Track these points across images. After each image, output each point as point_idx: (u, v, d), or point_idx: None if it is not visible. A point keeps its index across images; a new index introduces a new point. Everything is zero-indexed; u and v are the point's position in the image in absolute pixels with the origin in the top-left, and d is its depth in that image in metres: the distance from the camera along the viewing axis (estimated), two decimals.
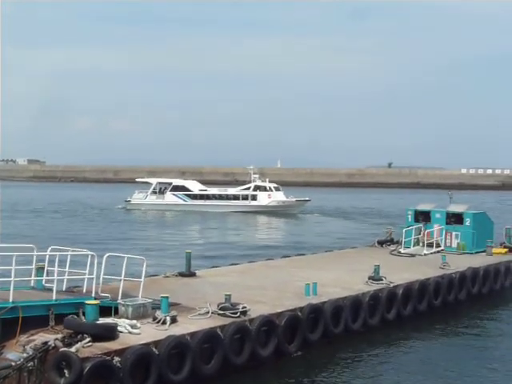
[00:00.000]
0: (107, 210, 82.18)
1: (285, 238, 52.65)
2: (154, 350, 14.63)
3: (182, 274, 23.22)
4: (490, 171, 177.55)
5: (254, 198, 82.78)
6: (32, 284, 17.48)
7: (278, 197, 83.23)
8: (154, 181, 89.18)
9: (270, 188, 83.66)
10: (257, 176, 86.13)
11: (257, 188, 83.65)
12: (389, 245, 33.30)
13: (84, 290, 16.90)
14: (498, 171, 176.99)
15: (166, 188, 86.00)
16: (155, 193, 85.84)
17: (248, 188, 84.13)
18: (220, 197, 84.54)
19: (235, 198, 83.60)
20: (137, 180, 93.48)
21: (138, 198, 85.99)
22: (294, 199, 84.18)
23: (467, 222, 32.43)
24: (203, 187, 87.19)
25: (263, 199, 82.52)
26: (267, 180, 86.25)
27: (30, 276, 17.26)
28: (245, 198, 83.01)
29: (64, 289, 17.17)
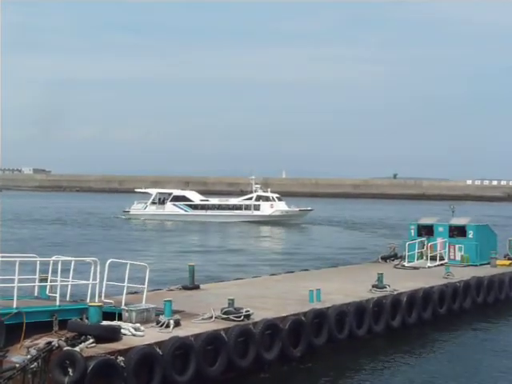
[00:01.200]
0: (108, 219, 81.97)
1: (289, 250, 52.18)
2: (158, 350, 14.62)
3: (185, 288, 22.96)
4: (495, 183, 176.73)
5: (256, 208, 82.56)
6: (36, 294, 17.55)
7: (281, 207, 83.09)
8: (153, 191, 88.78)
9: (272, 198, 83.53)
10: (258, 186, 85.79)
11: (259, 198, 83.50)
12: (393, 260, 33.17)
13: (88, 297, 16.83)
14: (503, 182, 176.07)
15: (165, 198, 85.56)
16: (155, 203, 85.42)
17: (250, 198, 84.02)
18: (221, 207, 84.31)
19: (237, 208, 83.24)
20: (136, 190, 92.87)
21: (137, 208, 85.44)
22: (297, 209, 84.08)
23: (470, 234, 32.35)
24: (204, 198, 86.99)
25: (266, 209, 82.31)
26: (269, 190, 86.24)
27: (34, 287, 17.39)
28: (247, 208, 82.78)
29: (68, 299, 17.15)
